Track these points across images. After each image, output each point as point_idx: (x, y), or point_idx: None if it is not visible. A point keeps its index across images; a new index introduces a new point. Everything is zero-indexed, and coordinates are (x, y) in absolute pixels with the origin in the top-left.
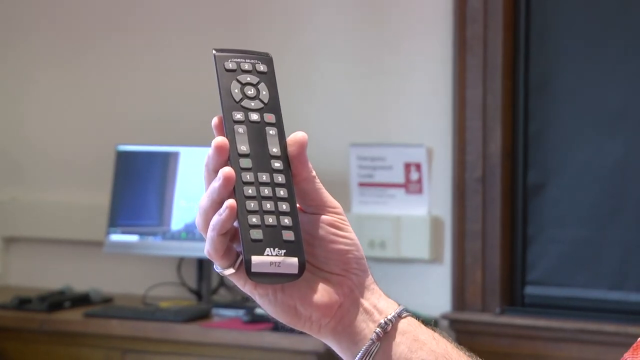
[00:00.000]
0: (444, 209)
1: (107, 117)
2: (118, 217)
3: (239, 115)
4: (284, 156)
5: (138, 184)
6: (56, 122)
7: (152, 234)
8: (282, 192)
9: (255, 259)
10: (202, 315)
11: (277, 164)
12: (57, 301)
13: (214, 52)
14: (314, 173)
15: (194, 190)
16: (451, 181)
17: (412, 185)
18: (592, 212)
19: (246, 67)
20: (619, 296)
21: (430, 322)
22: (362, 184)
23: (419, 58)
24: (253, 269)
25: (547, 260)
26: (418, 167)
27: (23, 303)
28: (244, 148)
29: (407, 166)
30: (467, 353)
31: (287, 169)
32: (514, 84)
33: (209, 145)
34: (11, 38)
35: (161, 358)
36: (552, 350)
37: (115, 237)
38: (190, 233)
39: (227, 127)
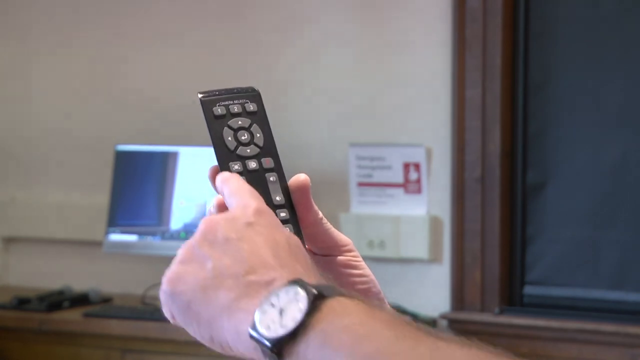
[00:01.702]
0: (443, 209)
1: (106, 117)
2: (117, 217)
3: (236, 167)
4: (288, 202)
5: (137, 184)
6: (55, 122)
7: (152, 234)
8: None
9: None
10: None
11: (282, 214)
12: (56, 301)
13: (199, 96)
14: (320, 215)
15: (193, 190)
16: (450, 181)
17: (411, 185)
18: (591, 212)
19: (235, 109)
20: (618, 296)
21: (430, 323)
22: (361, 184)
23: (419, 58)
24: None
25: (547, 260)
26: (417, 167)
27: (22, 303)
28: None
29: (406, 166)
30: None
31: (293, 216)
32: (513, 84)
33: (209, 145)
34: (12, 38)
35: (161, 358)
36: (552, 350)
37: (115, 237)
38: (189, 233)
39: None
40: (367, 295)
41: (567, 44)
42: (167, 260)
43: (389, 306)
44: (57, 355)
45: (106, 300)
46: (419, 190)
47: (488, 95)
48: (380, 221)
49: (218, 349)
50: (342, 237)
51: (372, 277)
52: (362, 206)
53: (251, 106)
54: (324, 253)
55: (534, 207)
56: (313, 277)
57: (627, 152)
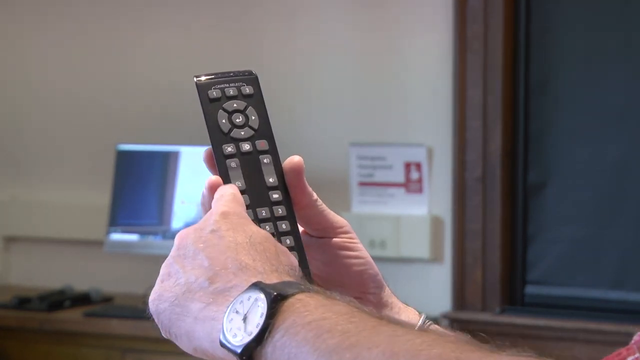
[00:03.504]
0: (444, 209)
1: (107, 116)
2: (118, 217)
3: (229, 149)
4: (282, 184)
5: (138, 184)
6: (56, 121)
7: (152, 233)
8: (284, 226)
9: None
10: None
11: (275, 195)
12: (57, 301)
13: (195, 79)
14: (315, 196)
15: (194, 189)
16: (451, 181)
17: (412, 184)
18: (592, 211)
19: (231, 92)
20: (619, 296)
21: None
22: (362, 184)
23: (419, 58)
24: None
25: (547, 260)
26: (418, 166)
27: (23, 302)
28: (239, 184)
29: (407, 166)
30: None
31: (287, 198)
32: (514, 84)
33: (210, 145)
34: (11, 37)
35: (161, 357)
36: (552, 350)
37: (116, 237)
38: None
39: (218, 163)
40: (363, 277)
41: (568, 43)
42: None
43: (388, 290)
44: (57, 354)
45: (107, 299)
46: (419, 190)
47: (489, 95)
48: (381, 221)
49: (204, 357)
50: (337, 218)
51: (369, 258)
52: (363, 206)
53: (247, 89)
54: (320, 235)
55: (535, 206)
56: (275, 274)
57: (628, 152)
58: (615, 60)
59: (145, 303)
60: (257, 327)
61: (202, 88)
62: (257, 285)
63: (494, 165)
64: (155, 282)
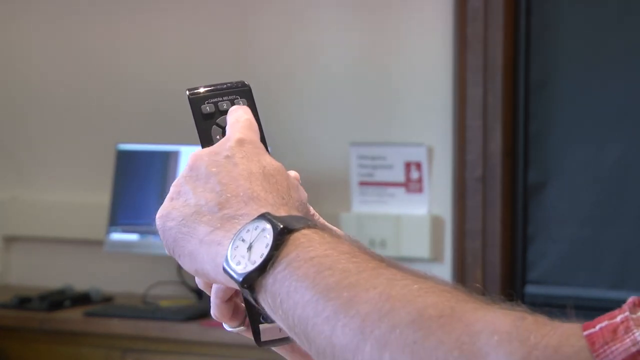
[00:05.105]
0: (444, 208)
1: (107, 116)
2: (118, 216)
3: None
4: None
5: (138, 183)
6: (56, 121)
7: (153, 233)
8: None
9: (263, 327)
10: (202, 314)
11: None
12: (57, 300)
13: (187, 93)
14: (312, 211)
15: None
16: (451, 180)
17: (412, 184)
18: (592, 211)
19: (224, 106)
20: (619, 295)
21: None
22: (362, 183)
23: (419, 57)
24: (263, 338)
25: (547, 260)
26: (418, 166)
27: (23, 302)
28: None
29: (408, 165)
30: None
31: None
32: (514, 83)
33: None
34: (11, 37)
35: (161, 357)
36: None
37: (116, 236)
38: None
39: None
40: None
41: (568, 43)
42: (168, 259)
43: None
44: (58, 354)
45: (107, 299)
46: (420, 190)
47: (489, 94)
48: (382, 220)
49: (204, 279)
50: (336, 232)
51: None
52: (363, 205)
53: (241, 102)
54: None
55: (535, 206)
56: (284, 208)
57: (628, 152)
58: (616, 60)
59: (146, 303)
60: (261, 257)
61: (194, 102)
62: (265, 216)
63: (494, 165)
64: (157, 282)
